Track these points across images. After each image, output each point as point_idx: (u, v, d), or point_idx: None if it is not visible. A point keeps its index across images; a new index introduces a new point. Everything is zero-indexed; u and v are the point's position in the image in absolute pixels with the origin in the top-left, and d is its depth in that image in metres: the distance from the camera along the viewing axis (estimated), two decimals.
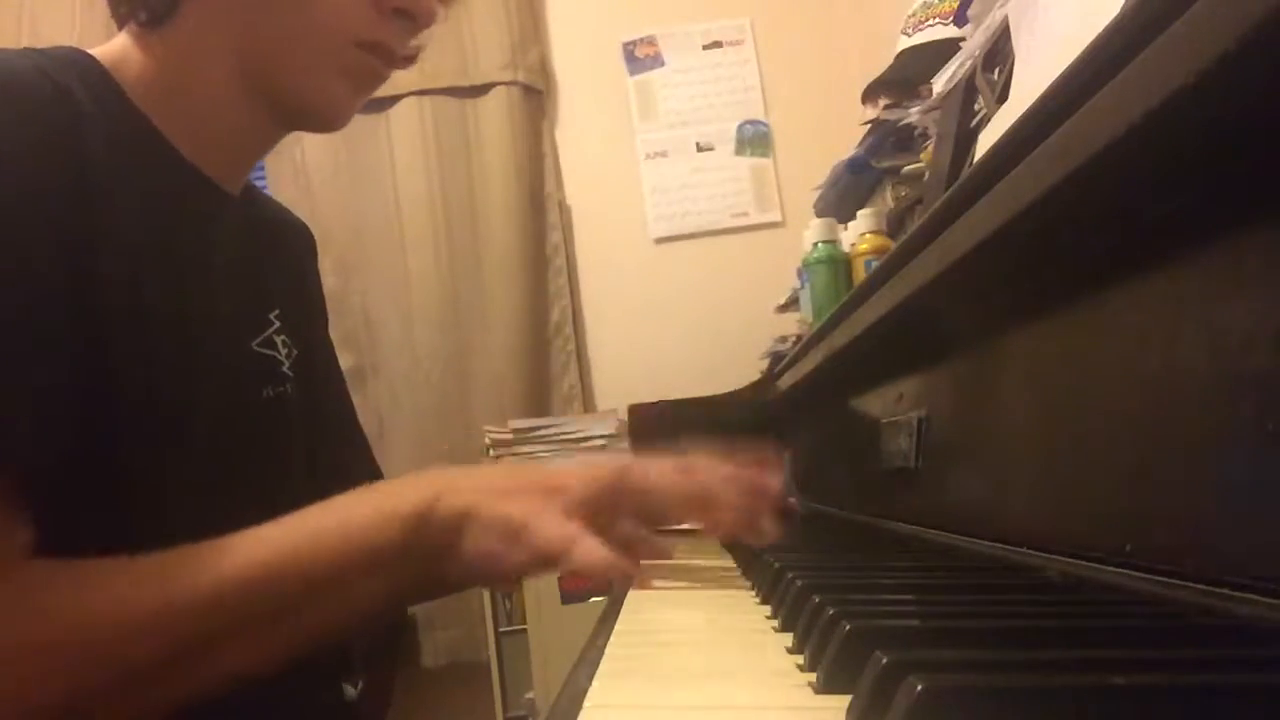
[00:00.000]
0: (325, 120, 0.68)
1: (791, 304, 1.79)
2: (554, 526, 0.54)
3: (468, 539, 0.54)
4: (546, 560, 0.54)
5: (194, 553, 0.53)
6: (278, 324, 0.76)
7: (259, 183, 2.53)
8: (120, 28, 0.67)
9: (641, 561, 0.58)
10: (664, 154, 2.48)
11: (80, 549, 0.52)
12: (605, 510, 0.57)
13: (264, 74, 0.66)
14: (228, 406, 0.68)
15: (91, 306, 0.56)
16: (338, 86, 0.67)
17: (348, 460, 0.87)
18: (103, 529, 0.57)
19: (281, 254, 0.81)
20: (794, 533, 0.92)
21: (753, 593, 0.52)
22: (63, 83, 0.59)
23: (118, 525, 0.58)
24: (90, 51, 0.65)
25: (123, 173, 0.60)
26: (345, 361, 2.39)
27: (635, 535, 0.59)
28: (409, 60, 0.69)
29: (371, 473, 0.90)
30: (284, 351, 0.76)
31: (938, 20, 1.29)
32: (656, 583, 0.58)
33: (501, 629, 2.05)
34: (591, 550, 0.53)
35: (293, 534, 0.54)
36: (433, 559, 0.55)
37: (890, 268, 0.71)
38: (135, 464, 0.59)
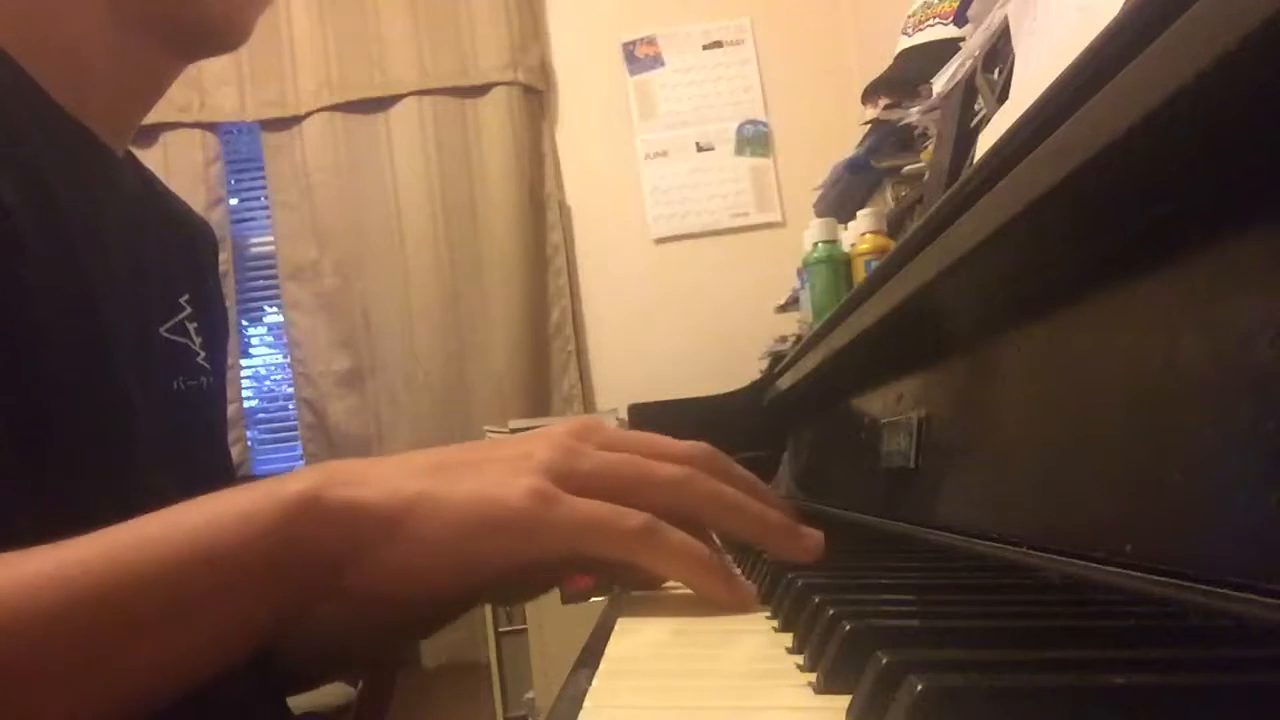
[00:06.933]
0: (227, 36, 0.59)
1: (791, 304, 1.80)
2: (590, 505, 0.40)
3: (401, 542, 0.39)
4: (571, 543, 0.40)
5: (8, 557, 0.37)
6: (189, 309, 0.64)
7: (257, 183, 2.56)
8: None
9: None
10: (664, 154, 2.49)
11: None
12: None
13: None
14: (129, 399, 0.55)
15: None
16: None
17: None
18: None
19: (185, 242, 0.69)
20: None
21: None
22: None
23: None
24: None
25: None
26: (345, 361, 2.45)
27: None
28: None
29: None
30: (198, 341, 0.64)
31: (938, 20, 1.29)
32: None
33: (501, 629, 2.06)
34: (682, 541, 0.41)
35: (124, 532, 0.39)
36: (322, 569, 0.39)
37: (890, 268, 0.71)
38: (19, 473, 0.46)
